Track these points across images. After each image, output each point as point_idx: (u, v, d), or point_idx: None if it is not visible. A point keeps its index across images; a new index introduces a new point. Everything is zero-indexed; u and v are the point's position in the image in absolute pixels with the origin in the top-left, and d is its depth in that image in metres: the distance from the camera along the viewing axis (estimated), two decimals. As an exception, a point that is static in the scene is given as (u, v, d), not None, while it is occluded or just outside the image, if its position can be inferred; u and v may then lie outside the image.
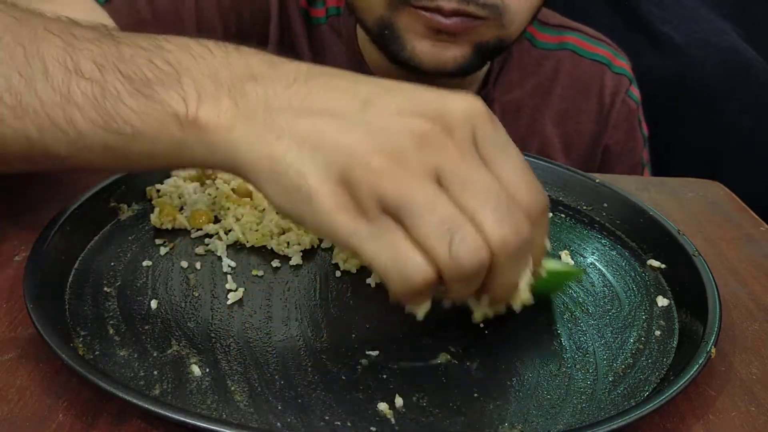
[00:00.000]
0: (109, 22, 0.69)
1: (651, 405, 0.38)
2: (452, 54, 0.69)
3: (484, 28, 0.68)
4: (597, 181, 0.64)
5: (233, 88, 0.39)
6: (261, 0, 0.78)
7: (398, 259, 0.37)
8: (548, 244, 0.43)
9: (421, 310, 0.40)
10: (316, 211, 0.37)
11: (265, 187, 0.39)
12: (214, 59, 0.41)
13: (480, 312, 0.44)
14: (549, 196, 0.65)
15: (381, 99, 0.39)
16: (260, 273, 0.51)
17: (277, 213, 0.53)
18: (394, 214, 0.37)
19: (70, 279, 0.48)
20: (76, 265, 0.49)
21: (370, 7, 0.70)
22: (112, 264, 0.50)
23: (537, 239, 0.41)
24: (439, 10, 0.65)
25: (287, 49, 0.81)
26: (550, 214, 0.62)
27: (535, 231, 0.39)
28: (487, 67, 0.83)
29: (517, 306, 0.42)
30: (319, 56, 0.82)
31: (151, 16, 0.73)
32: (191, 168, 0.51)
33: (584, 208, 0.63)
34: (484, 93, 0.83)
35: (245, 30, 0.78)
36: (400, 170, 0.36)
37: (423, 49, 0.69)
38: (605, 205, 0.62)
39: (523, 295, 0.42)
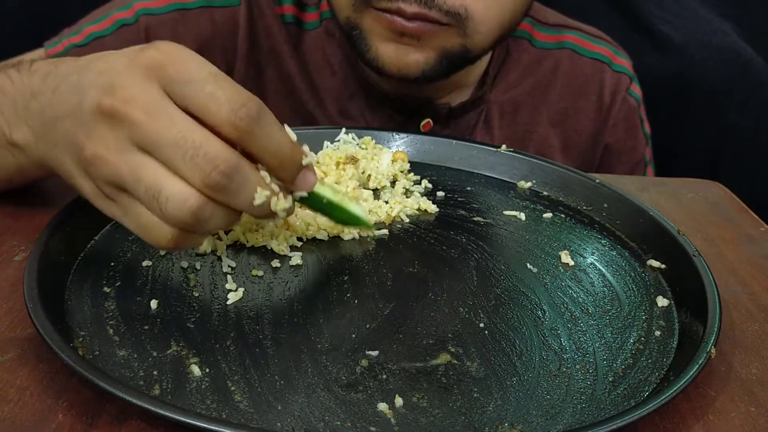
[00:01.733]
0: None
1: (651, 405, 0.38)
2: (415, 58, 0.69)
3: (447, 34, 0.68)
4: (597, 181, 0.64)
5: (25, 110, 0.48)
6: (224, 10, 0.78)
7: (144, 227, 0.42)
8: (292, 135, 0.43)
9: (202, 248, 0.50)
10: (88, 198, 0.45)
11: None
12: (13, 88, 0.49)
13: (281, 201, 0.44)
14: (549, 196, 0.65)
15: (84, 90, 0.43)
16: (260, 273, 0.51)
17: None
18: (125, 191, 0.42)
19: (69, 279, 0.48)
20: (75, 266, 0.49)
21: (340, 8, 0.71)
22: (112, 264, 0.50)
23: (262, 142, 0.41)
24: (400, 13, 0.66)
25: (262, 58, 0.81)
26: (550, 214, 0.62)
27: (253, 139, 0.41)
28: (484, 67, 0.83)
29: (280, 211, 0.44)
30: (306, 62, 0.82)
31: None
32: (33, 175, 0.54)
33: (584, 208, 0.63)
34: (481, 93, 0.83)
35: (206, 47, 0.78)
36: (105, 154, 0.41)
37: (386, 51, 0.69)
38: (605, 205, 0.62)
39: (280, 204, 0.43)
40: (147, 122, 0.40)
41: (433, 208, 0.61)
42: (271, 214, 0.44)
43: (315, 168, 0.60)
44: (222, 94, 0.40)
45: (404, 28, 0.66)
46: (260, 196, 0.42)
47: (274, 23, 0.80)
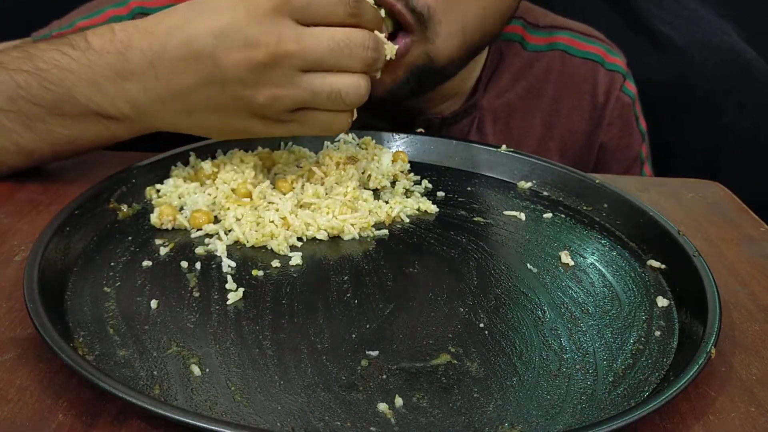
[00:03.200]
0: None
1: (651, 405, 0.38)
2: (381, 78, 0.66)
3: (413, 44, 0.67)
4: (597, 181, 0.64)
5: (117, 86, 0.55)
6: None
7: (327, 124, 0.55)
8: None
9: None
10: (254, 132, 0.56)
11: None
12: (79, 65, 0.55)
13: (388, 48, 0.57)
14: (549, 196, 0.65)
15: (216, 55, 0.52)
16: (260, 273, 0.51)
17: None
18: (300, 109, 0.54)
19: (70, 279, 0.48)
20: (76, 265, 0.49)
21: None
22: (112, 264, 0.50)
23: (368, 16, 0.54)
24: None
25: None
26: (550, 215, 0.62)
27: (363, 17, 0.53)
28: (477, 75, 0.83)
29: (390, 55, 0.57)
30: None
31: None
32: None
33: (584, 208, 0.63)
34: (474, 100, 0.82)
35: None
36: (278, 92, 0.52)
37: None
38: (605, 205, 0.62)
39: (389, 50, 0.57)
40: (301, 50, 0.51)
41: (433, 208, 0.61)
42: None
43: (315, 168, 0.61)
44: (331, 1, 0.52)
45: None
46: (390, 50, 0.57)
47: None
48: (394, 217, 0.60)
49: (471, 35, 0.71)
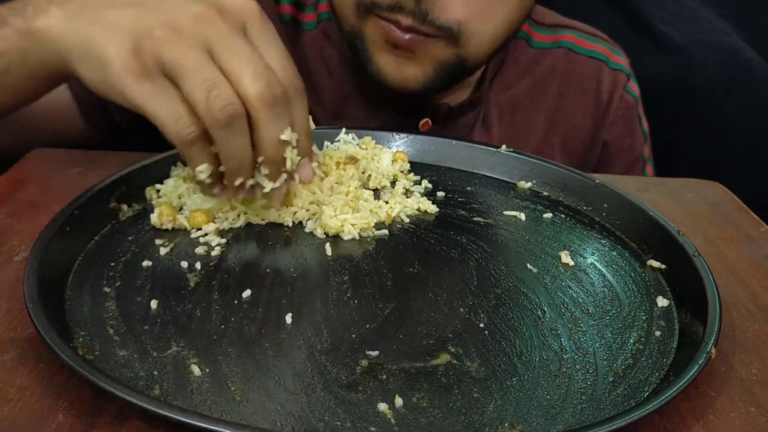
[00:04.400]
0: None
1: (651, 405, 0.38)
2: (413, 72, 0.70)
3: (440, 46, 0.69)
4: (597, 181, 0.64)
5: (62, 2, 0.51)
6: None
7: (172, 115, 0.47)
8: (312, 124, 0.53)
9: (201, 170, 0.50)
10: (110, 74, 0.47)
11: (79, 66, 0.50)
12: None
13: (268, 186, 0.52)
14: (549, 196, 0.65)
15: None
16: (260, 273, 0.51)
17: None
18: (170, 76, 0.47)
19: (70, 279, 0.48)
20: (76, 266, 0.49)
21: (345, 17, 0.72)
22: (112, 264, 0.50)
23: (297, 114, 0.50)
24: (397, 24, 0.67)
25: None
26: (550, 215, 0.62)
27: (293, 103, 0.50)
28: (483, 67, 0.83)
29: (288, 164, 0.51)
30: (303, 62, 0.82)
31: None
32: (43, 75, 0.55)
33: (584, 208, 0.63)
34: (480, 93, 0.83)
35: None
36: (177, 39, 0.46)
37: (386, 63, 0.70)
38: (605, 205, 0.62)
39: (292, 155, 0.51)
40: (227, 34, 0.47)
41: (433, 208, 0.61)
42: (278, 162, 0.51)
43: (315, 168, 0.61)
44: (283, 65, 0.49)
45: (397, 40, 0.68)
46: (288, 134, 0.50)
47: (273, 21, 0.80)
48: (394, 217, 0.60)
49: (501, 37, 0.73)
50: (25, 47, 0.52)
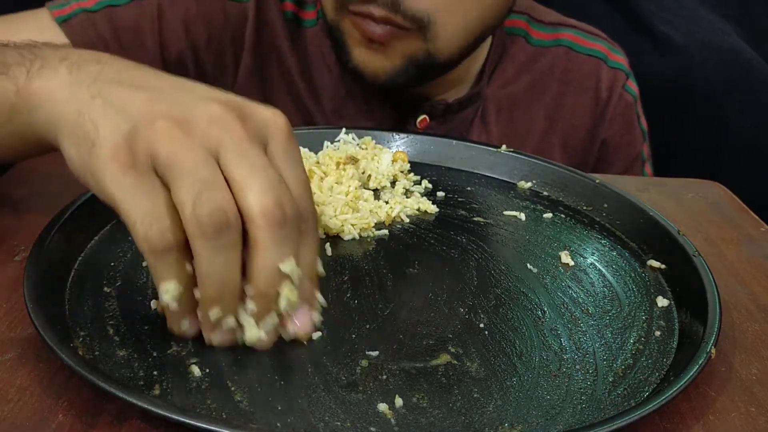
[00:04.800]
0: (62, 40, 0.71)
1: (651, 405, 0.38)
2: (382, 64, 0.72)
3: (410, 39, 0.70)
4: (597, 181, 0.64)
5: (74, 64, 0.44)
6: (236, 4, 0.79)
7: (147, 215, 0.38)
8: (320, 268, 0.44)
9: (167, 290, 0.39)
10: (94, 157, 0.39)
11: (63, 140, 0.42)
12: (74, 51, 0.46)
13: (252, 331, 0.41)
14: (549, 196, 0.65)
15: (199, 87, 0.43)
16: (260, 273, 0.51)
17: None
18: (162, 175, 0.38)
19: (70, 279, 0.48)
20: (76, 265, 0.49)
21: (326, 11, 0.74)
22: (112, 264, 0.50)
23: (305, 247, 0.41)
24: (370, 17, 0.68)
25: (266, 52, 0.81)
26: (550, 215, 0.62)
27: (303, 234, 0.41)
28: (481, 63, 0.84)
29: (283, 304, 0.40)
30: (304, 59, 0.82)
31: (110, 33, 0.74)
32: (30, 139, 0.47)
33: (584, 208, 0.63)
34: (478, 89, 0.83)
35: (216, 35, 0.78)
36: (180, 135, 0.38)
37: (362, 57, 0.72)
38: (605, 205, 0.62)
39: (290, 294, 0.40)
40: (242, 140, 0.39)
41: (433, 208, 0.61)
42: (270, 297, 0.41)
43: (315, 168, 0.60)
44: (302, 190, 0.42)
45: (372, 34, 0.69)
46: (290, 267, 0.40)
47: (277, 19, 0.81)
48: (394, 217, 0.60)
49: (471, 34, 0.73)
50: (17, 104, 0.45)
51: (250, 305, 0.40)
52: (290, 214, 0.39)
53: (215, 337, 0.41)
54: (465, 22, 0.71)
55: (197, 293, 0.40)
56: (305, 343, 0.43)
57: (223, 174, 0.39)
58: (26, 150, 0.51)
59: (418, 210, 0.61)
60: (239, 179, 0.38)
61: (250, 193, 0.38)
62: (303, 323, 0.43)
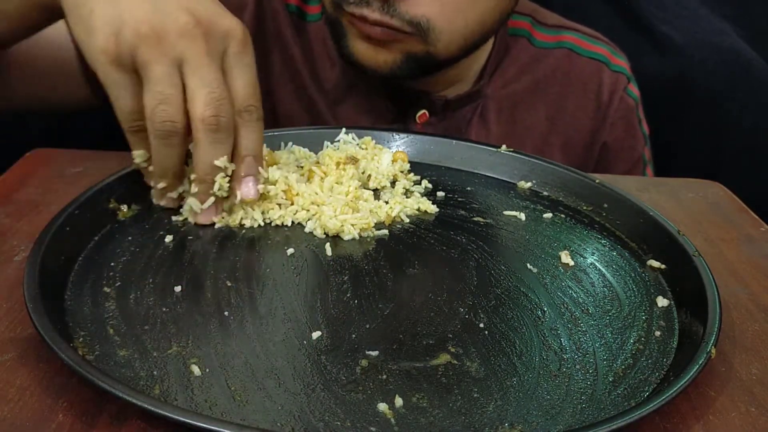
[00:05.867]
0: None
1: (651, 405, 0.38)
2: (383, 58, 0.72)
3: (410, 41, 0.70)
4: (597, 181, 0.64)
5: None
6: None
7: (125, 105, 0.51)
8: (264, 148, 0.57)
9: (138, 157, 0.54)
10: (90, 45, 0.50)
11: (67, 12, 0.53)
12: None
13: (190, 203, 0.55)
14: (549, 196, 0.65)
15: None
16: (260, 274, 0.51)
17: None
18: (138, 72, 0.50)
19: (69, 279, 0.48)
20: (75, 266, 0.49)
21: (326, 6, 0.74)
22: (112, 264, 0.50)
23: (246, 137, 0.53)
24: (364, 19, 0.68)
25: (268, 39, 0.82)
26: (550, 215, 0.62)
27: (244, 127, 0.53)
28: (483, 61, 0.84)
29: (216, 187, 0.53)
30: (308, 50, 0.83)
31: None
32: (38, 4, 0.58)
33: (584, 208, 0.63)
34: (478, 87, 0.83)
35: None
36: (155, 43, 0.49)
37: (360, 49, 0.72)
38: (605, 205, 0.62)
39: (222, 181, 0.53)
40: (202, 55, 0.50)
41: (432, 208, 0.61)
42: (208, 182, 0.54)
43: (315, 168, 0.61)
44: (246, 90, 0.53)
45: (369, 32, 0.69)
46: (222, 160, 0.53)
47: (280, 9, 0.82)
48: (394, 217, 0.60)
49: (471, 36, 0.73)
50: None
51: (193, 187, 0.54)
52: (225, 121, 0.51)
53: (162, 202, 0.57)
54: (465, 25, 0.71)
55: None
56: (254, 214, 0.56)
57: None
58: (36, 18, 0.60)
59: (418, 210, 0.61)
60: (190, 90, 0.50)
61: (196, 103, 0.50)
62: (247, 191, 0.55)
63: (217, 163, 0.52)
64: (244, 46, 0.53)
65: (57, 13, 0.55)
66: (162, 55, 0.49)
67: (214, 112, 0.50)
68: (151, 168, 0.54)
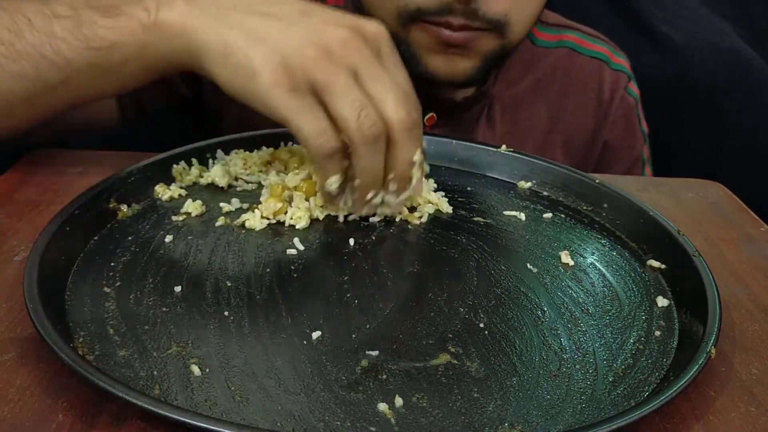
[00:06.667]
0: None
1: (651, 405, 0.38)
2: (463, 66, 0.73)
3: (489, 38, 0.71)
4: (597, 181, 0.64)
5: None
6: None
7: (316, 129, 0.50)
8: (425, 144, 0.56)
9: (333, 181, 0.53)
10: (258, 86, 0.50)
11: (216, 69, 0.52)
12: None
13: (390, 200, 0.56)
14: (549, 196, 0.65)
15: (315, 11, 0.53)
16: (260, 274, 0.51)
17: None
18: (319, 94, 0.50)
19: (69, 279, 0.48)
20: (75, 266, 0.49)
21: (389, 26, 0.72)
22: (112, 264, 0.50)
23: (420, 137, 0.54)
24: (447, 25, 0.69)
25: None
26: (550, 215, 0.62)
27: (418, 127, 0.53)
28: None
29: (414, 181, 0.55)
30: None
31: None
32: (160, 68, 0.56)
33: (584, 208, 0.63)
34: (485, 89, 0.83)
35: None
36: (327, 61, 0.50)
37: (436, 64, 0.73)
38: (605, 205, 0.62)
39: (417, 173, 0.55)
40: (370, 60, 0.51)
41: (447, 207, 0.61)
42: (406, 181, 0.55)
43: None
44: (410, 88, 0.54)
45: (450, 39, 0.70)
46: (418, 156, 0.54)
47: None
48: (409, 217, 0.59)
49: (533, 24, 0.76)
50: (147, 40, 0.53)
51: (392, 186, 0.55)
52: (417, 118, 0.52)
53: (365, 210, 0.57)
54: (532, 13, 0.73)
55: (356, 182, 0.54)
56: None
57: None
58: (148, 78, 0.57)
59: (430, 203, 0.61)
60: (377, 95, 0.51)
61: (389, 107, 0.51)
62: (419, 188, 0.57)
63: (415, 158, 0.53)
64: (392, 46, 0.54)
65: (182, 69, 0.54)
66: (338, 67, 0.50)
67: (407, 111, 0.51)
68: (356, 183, 0.54)
